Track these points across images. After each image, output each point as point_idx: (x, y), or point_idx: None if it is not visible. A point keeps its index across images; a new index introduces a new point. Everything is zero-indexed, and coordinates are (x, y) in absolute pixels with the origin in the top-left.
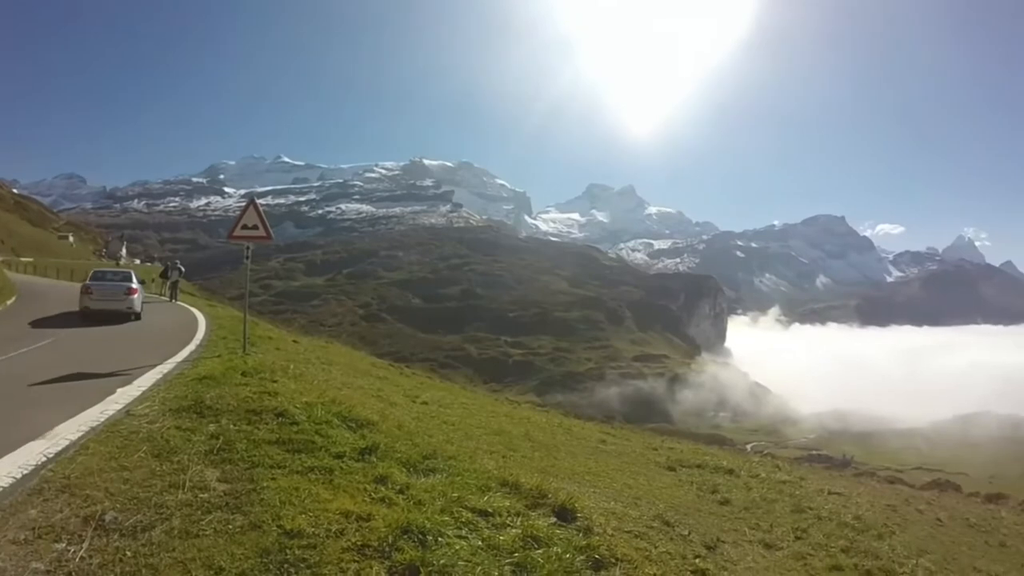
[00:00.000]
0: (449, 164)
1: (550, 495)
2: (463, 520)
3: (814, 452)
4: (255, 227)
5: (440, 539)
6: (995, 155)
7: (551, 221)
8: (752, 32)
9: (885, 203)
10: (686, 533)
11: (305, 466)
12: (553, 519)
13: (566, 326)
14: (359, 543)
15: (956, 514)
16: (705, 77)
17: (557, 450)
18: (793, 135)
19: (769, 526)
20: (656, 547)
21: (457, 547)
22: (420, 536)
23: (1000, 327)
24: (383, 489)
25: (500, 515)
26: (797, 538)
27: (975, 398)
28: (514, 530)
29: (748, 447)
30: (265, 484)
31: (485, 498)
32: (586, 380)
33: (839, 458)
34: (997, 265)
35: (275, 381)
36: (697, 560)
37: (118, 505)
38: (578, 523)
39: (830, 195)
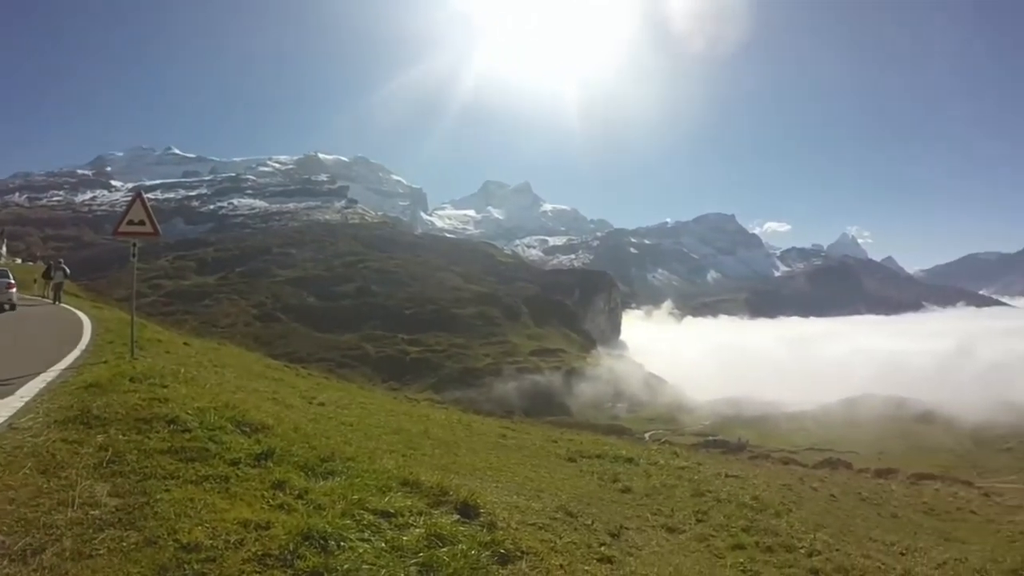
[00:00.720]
0: (344, 159)
1: (452, 492)
2: (365, 522)
3: (710, 438)
4: (142, 222)
5: (343, 543)
6: (877, 158)
7: (447, 218)
8: (643, 31)
9: (773, 202)
10: (590, 522)
11: (200, 475)
12: (456, 516)
13: (463, 323)
14: (260, 553)
15: (849, 489)
16: (600, 77)
17: (458, 446)
18: (685, 135)
19: (671, 511)
20: (561, 538)
21: (360, 551)
22: (322, 542)
23: (881, 317)
24: (281, 495)
25: (403, 515)
26: (699, 521)
27: (859, 382)
28: (418, 530)
29: (647, 436)
30: (159, 496)
31: (386, 499)
32: (484, 376)
33: (735, 442)
34: (878, 261)
35: (165, 387)
36: (602, 548)
37: (5, 528)
38: (482, 519)
39: (721, 194)
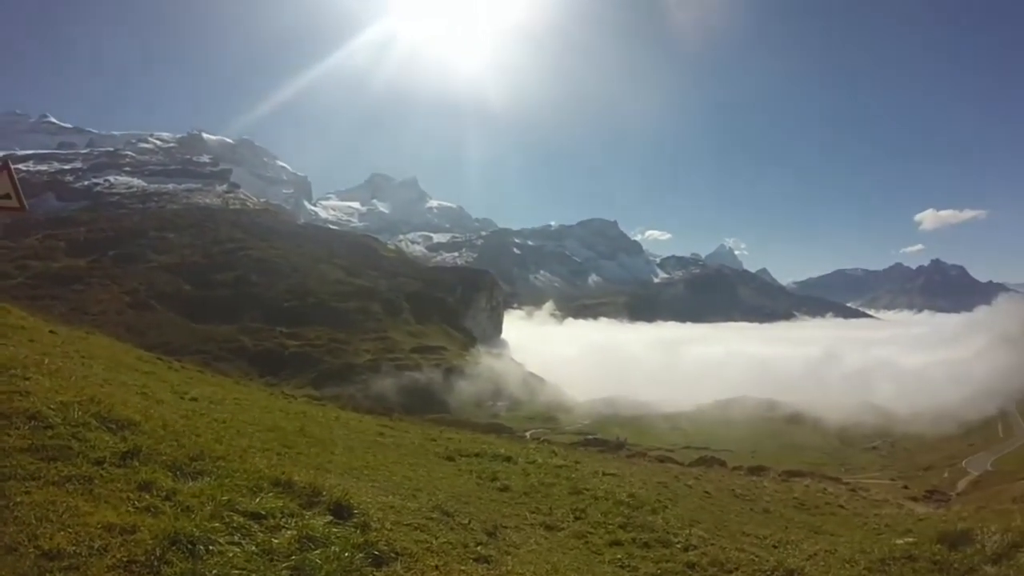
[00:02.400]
0: (229, 141)
1: (325, 492)
2: (235, 525)
3: (589, 436)
4: (7, 196)
5: (211, 548)
6: (756, 176)
7: (331, 209)
8: (534, 30)
9: (655, 212)
10: (466, 522)
11: (62, 476)
12: (329, 517)
13: (343, 317)
14: (125, 559)
15: (723, 486)
16: (491, 76)
17: (334, 445)
18: (574, 141)
19: (549, 509)
20: (437, 538)
21: (230, 555)
22: (190, 546)
23: (755, 324)
24: (148, 497)
25: (274, 517)
26: (577, 518)
27: (733, 384)
28: (289, 532)
29: (527, 434)
30: (19, 499)
31: (258, 500)
32: (364, 372)
33: (613, 441)
34: (753, 272)
35: (27, 379)
36: (479, 548)
37: None
38: (355, 519)
39: (605, 201)
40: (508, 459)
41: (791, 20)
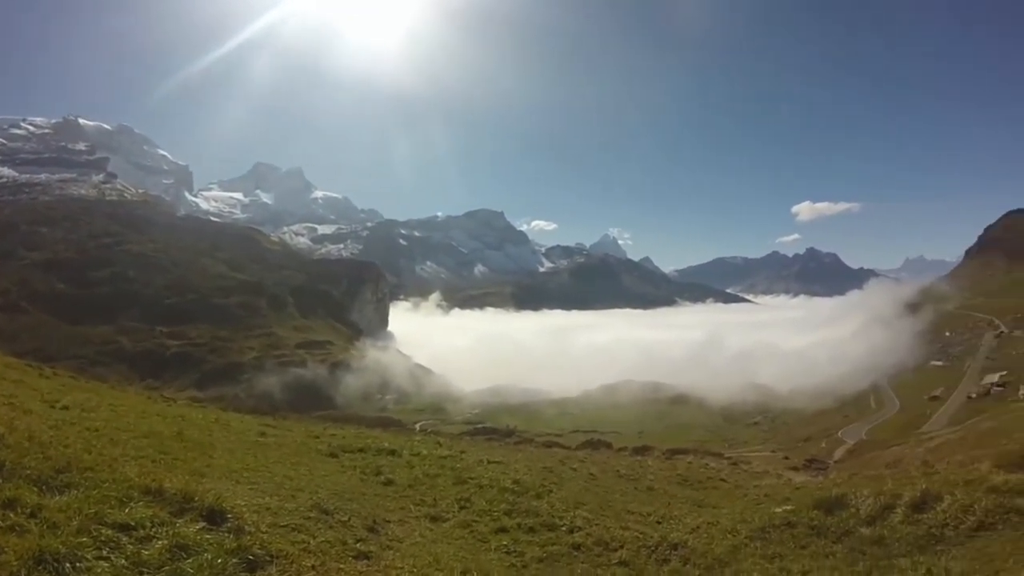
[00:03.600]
0: (107, 127)
1: (197, 498)
2: (103, 538)
3: (479, 426)
4: None
5: (79, 564)
6: (639, 167)
7: (213, 199)
8: (423, 16)
9: (541, 202)
10: (347, 519)
11: None
12: (202, 524)
13: (227, 313)
14: None
15: (608, 468)
16: (379, 65)
17: (213, 448)
18: (461, 131)
19: (434, 500)
20: (315, 538)
21: (98, 570)
22: (55, 564)
23: (639, 311)
24: (12, 515)
25: (144, 527)
26: (462, 508)
27: (619, 369)
28: (160, 541)
29: (417, 426)
30: None
31: (127, 510)
32: (249, 371)
33: (502, 429)
34: (637, 260)
35: None
36: (359, 544)
37: None
38: (229, 524)
39: (491, 191)
40: (393, 453)
41: (673, 18)
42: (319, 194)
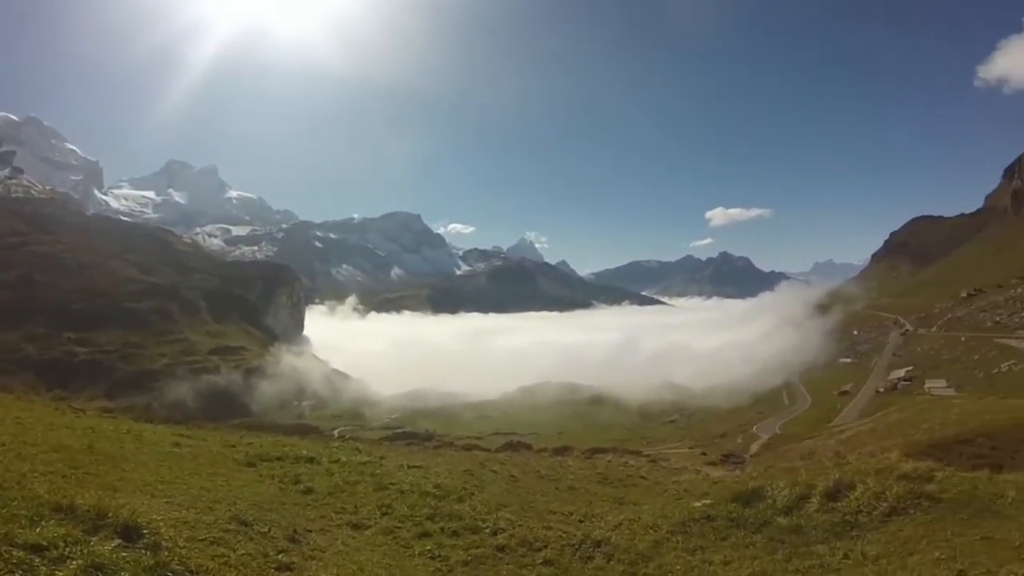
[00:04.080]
0: (14, 118)
1: (112, 514)
2: (15, 560)
3: (398, 430)
4: None
5: None
6: (556, 171)
7: (123, 198)
8: (343, 13)
9: (458, 205)
10: (267, 530)
11: None
12: (118, 541)
13: (138, 318)
14: None
15: (528, 469)
16: (298, 60)
17: (126, 461)
18: (378, 133)
19: (355, 507)
20: (235, 551)
21: None
22: None
23: (556, 313)
24: None
25: (57, 547)
26: (384, 514)
27: (537, 371)
28: (75, 562)
29: (335, 433)
30: None
31: (38, 530)
32: (161, 378)
33: (421, 433)
34: (553, 264)
35: None
36: (280, 556)
37: None
38: (146, 540)
39: (409, 193)
40: (311, 460)
41: (592, 20)
42: (233, 194)
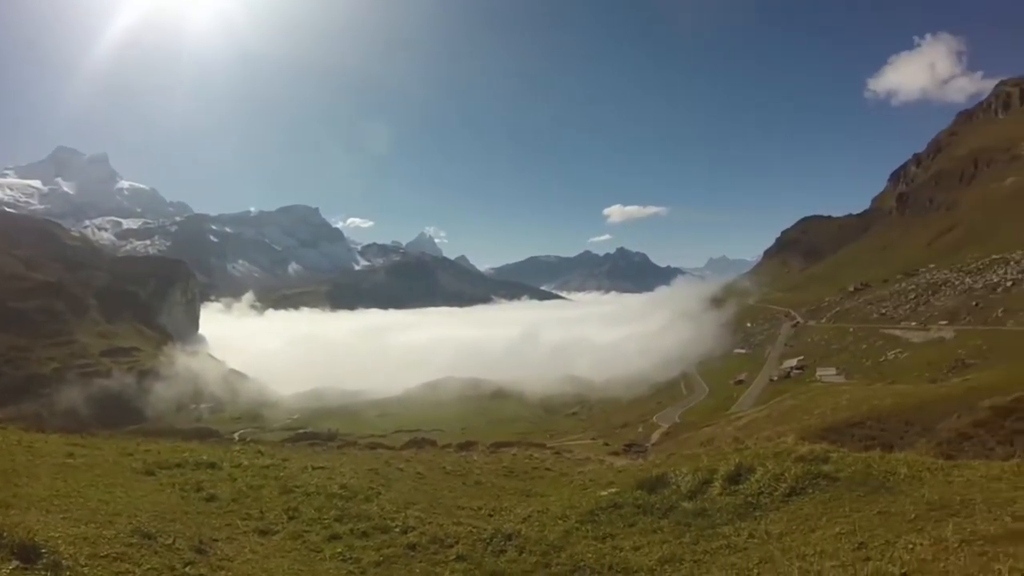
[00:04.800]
0: None
1: (5, 533)
2: None
3: (300, 431)
4: None
5: None
6: (455, 166)
7: (7, 187)
8: (238, 4)
9: (357, 199)
10: (171, 542)
11: None
12: (15, 563)
13: (23, 319)
14: None
15: (434, 465)
16: (191, 47)
17: (17, 475)
18: (276, 122)
19: (260, 513)
20: (140, 566)
21: None
22: None
23: (456, 309)
24: None
25: None
26: (291, 518)
27: (439, 367)
28: None
29: (235, 436)
30: None
31: None
32: (50, 383)
33: (324, 433)
34: (453, 258)
35: None
36: (187, 568)
37: None
38: (44, 560)
39: (306, 186)
40: (212, 466)
41: (495, 17)
42: (125, 184)
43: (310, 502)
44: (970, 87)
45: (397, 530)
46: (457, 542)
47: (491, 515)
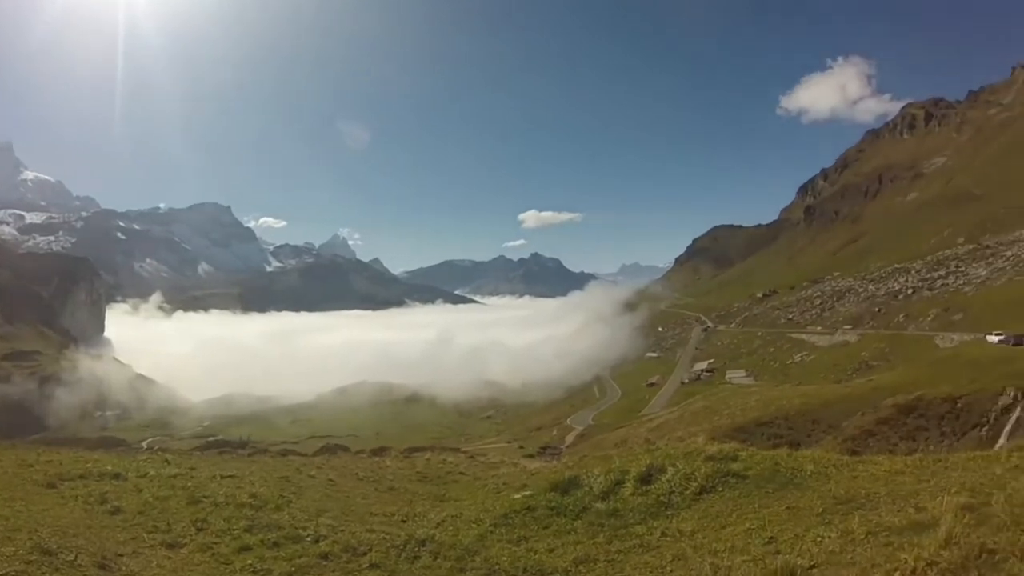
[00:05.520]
0: None
1: None
2: None
3: (211, 439)
4: None
5: None
6: (369, 167)
7: None
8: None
9: (270, 198)
10: (73, 558)
11: None
12: None
13: None
14: None
15: (347, 471)
16: (104, 33)
17: None
18: (188, 114)
19: (168, 525)
20: None
21: None
22: None
23: (369, 312)
24: None
25: None
26: (199, 530)
27: (352, 371)
28: None
29: (144, 445)
30: None
31: None
32: None
33: (236, 440)
34: (366, 261)
35: None
36: None
37: None
38: None
39: (219, 184)
40: (117, 476)
41: (414, 17)
42: (30, 175)
43: (219, 512)
44: (878, 108)
45: (309, 539)
46: (370, 550)
47: (404, 521)
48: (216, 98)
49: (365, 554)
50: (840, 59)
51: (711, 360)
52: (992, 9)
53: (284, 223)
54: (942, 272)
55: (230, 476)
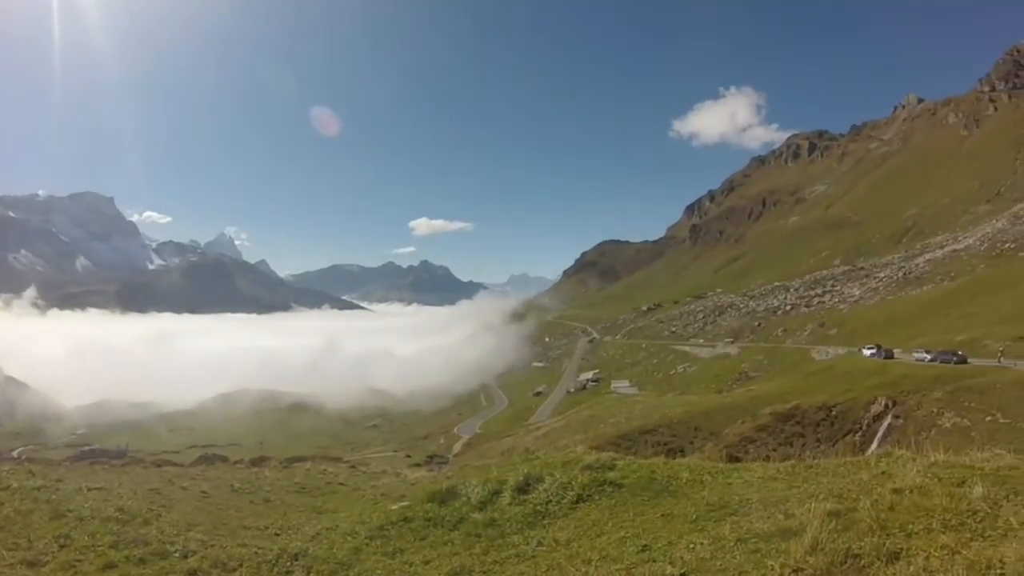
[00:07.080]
0: None
1: None
2: None
3: (86, 448)
4: None
5: None
6: (258, 164)
7: None
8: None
9: (155, 190)
10: None
11: None
12: None
13: None
14: None
15: (222, 483)
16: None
17: None
18: (68, 94)
19: (29, 541)
20: None
21: None
22: None
23: (254, 315)
24: None
25: None
26: (62, 546)
27: (235, 377)
28: None
29: (15, 454)
30: None
31: None
32: None
33: (114, 450)
34: (253, 263)
35: None
36: None
37: None
38: None
39: (101, 172)
40: None
41: (312, 15)
42: None
43: (83, 527)
44: (765, 136)
45: (177, 555)
46: (241, 565)
47: (278, 534)
48: (103, 83)
49: (235, 570)
50: (732, 88)
51: (596, 370)
52: (880, 47)
53: (169, 219)
54: (819, 291)
55: (97, 488)
